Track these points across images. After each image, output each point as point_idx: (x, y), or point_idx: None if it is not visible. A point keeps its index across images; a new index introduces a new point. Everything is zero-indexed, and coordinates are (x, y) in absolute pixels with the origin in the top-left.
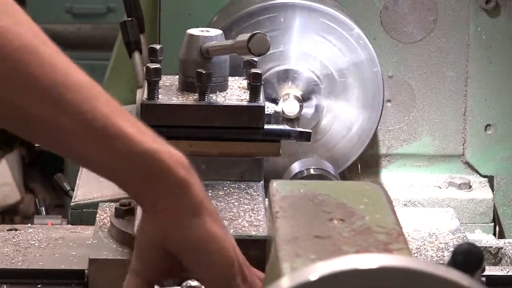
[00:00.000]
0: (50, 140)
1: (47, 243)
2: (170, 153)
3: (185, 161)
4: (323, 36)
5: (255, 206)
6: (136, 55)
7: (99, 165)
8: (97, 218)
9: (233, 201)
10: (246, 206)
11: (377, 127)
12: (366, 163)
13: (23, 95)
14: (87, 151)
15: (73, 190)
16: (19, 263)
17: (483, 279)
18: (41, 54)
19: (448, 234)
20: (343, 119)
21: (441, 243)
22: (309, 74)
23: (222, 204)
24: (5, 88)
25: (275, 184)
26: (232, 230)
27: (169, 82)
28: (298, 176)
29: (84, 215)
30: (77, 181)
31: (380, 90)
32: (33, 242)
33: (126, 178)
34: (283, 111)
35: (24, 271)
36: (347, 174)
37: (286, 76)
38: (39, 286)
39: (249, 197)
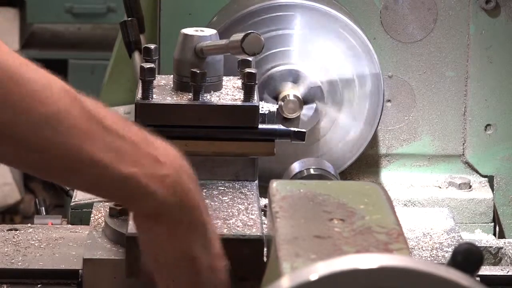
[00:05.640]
0: (35, 171)
1: (47, 243)
2: (149, 175)
3: (168, 181)
4: (323, 37)
5: (249, 206)
6: (136, 55)
7: (83, 189)
8: (91, 218)
9: (227, 200)
10: (240, 206)
11: (377, 127)
12: (366, 163)
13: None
14: (70, 180)
15: (73, 190)
16: (19, 263)
17: (477, 278)
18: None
19: (442, 234)
20: (342, 120)
21: (435, 243)
22: (312, 77)
23: (216, 203)
24: None
25: (275, 184)
26: (226, 230)
27: (163, 81)
28: (298, 176)
29: (84, 215)
30: None
31: (380, 92)
32: (33, 242)
33: (111, 199)
34: (283, 111)
35: (24, 271)
36: (347, 174)
37: (288, 76)
38: (39, 286)
39: (243, 196)
